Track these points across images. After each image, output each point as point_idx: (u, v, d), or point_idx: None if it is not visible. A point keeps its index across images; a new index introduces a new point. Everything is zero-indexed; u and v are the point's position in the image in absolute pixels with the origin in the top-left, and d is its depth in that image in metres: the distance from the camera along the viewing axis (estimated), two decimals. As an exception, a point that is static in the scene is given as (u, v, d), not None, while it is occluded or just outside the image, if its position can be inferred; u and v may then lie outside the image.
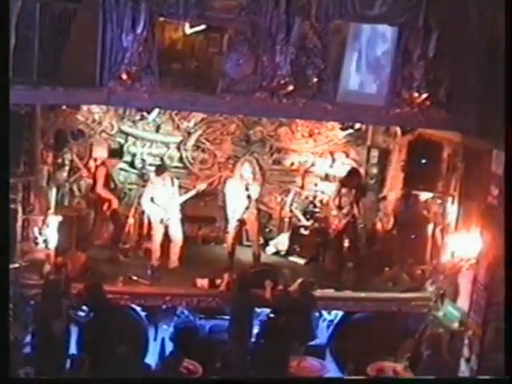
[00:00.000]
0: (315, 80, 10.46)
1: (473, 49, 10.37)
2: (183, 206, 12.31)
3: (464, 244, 10.66)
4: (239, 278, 10.95)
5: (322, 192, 14.01)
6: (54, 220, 11.40)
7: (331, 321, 12.15)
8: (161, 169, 12.21)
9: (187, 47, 12.16)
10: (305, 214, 13.90)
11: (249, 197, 12.18)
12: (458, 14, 10.38)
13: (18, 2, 9.25)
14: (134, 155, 13.40)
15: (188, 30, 11.94)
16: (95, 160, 13.08)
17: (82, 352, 10.39)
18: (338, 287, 11.83)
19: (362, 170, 13.52)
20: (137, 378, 8.85)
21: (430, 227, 11.95)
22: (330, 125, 13.75)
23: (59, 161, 12.80)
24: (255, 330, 10.90)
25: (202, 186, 12.51)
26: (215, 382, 9.69)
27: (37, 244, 11.25)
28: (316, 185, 14.11)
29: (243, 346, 10.58)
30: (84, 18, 9.86)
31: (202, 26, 11.47)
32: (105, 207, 12.43)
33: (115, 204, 12.49)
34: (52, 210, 11.83)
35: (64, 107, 12.28)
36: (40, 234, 11.27)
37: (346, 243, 12.19)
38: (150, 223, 12.40)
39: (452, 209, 11.44)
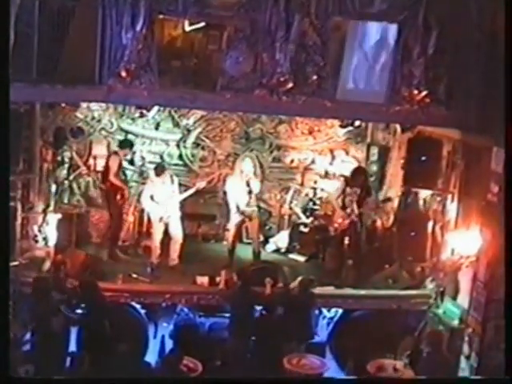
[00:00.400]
0: (315, 77, 10.45)
1: (472, 46, 10.35)
2: (183, 204, 12.32)
3: (464, 241, 10.66)
4: (239, 275, 10.95)
5: (322, 189, 14.01)
6: (53, 218, 11.42)
7: (331, 318, 12.14)
8: (160, 169, 12.18)
9: (186, 45, 12.13)
10: (305, 211, 13.88)
11: (250, 192, 12.18)
12: (458, 12, 10.37)
13: (17, -1, 9.26)
14: (133, 153, 13.37)
15: (187, 28, 11.92)
16: (94, 158, 13.11)
17: (81, 350, 10.39)
18: (338, 285, 11.83)
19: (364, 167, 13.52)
20: (137, 379, 8.85)
21: (430, 225, 11.94)
22: (329, 122, 13.75)
23: (59, 158, 12.79)
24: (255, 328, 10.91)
25: (201, 184, 12.52)
26: (215, 382, 9.68)
27: (36, 242, 11.28)
28: (316, 182, 14.11)
29: (243, 344, 10.57)
30: (83, 15, 9.85)
31: (202, 24, 11.45)
32: (118, 196, 12.40)
33: (127, 194, 12.48)
34: (51, 208, 11.87)
35: (63, 105, 12.27)
36: (39, 231, 11.29)
37: (346, 241, 12.17)
38: (149, 221, 12.41)
39: (452, 206, 11.44)
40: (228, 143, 13.90)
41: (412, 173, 12.04)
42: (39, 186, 11.67)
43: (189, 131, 13.71)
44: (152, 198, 11.97)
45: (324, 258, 13.06)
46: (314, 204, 13.93)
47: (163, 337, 11.49)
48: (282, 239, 13.69)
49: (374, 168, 13.83)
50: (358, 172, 12.62)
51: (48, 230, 11.33)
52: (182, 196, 12.28)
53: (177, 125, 13.67)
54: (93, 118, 13.24)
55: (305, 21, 10.24)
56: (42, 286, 10.07)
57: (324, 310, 12.03)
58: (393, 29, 10.64)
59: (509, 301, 8.62)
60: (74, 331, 10.39)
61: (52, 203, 12.12)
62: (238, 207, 12.24)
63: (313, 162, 14.15)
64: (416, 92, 10.61)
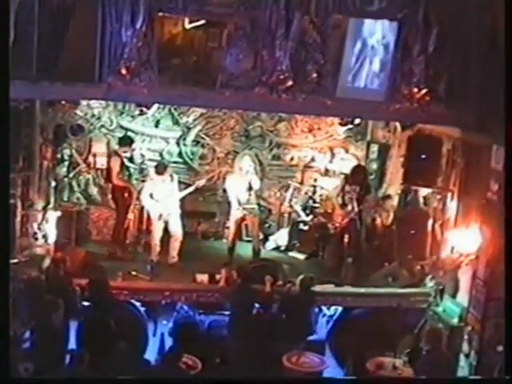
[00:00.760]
0: (315, 75, 10.44)
1: (472, 44, 10.35)
2: (182, 202, 12.33)
3: (463, 239, 10.66)
4: (239, 273, 10.94)
5: (322, 187, 14.02)
6: (53, 215, 11.43)
7: (331, 316, 12.14)
8: (162, 168, 12.15)
9: (186, 42, 12.11)
10: (304, 209, 13.88)
11: (249, 189, 12.18)
12: (458, 9, 10.36)
13: (17, -4, 9.24)
14: (132, 150, 13.35)
15: (187, 25, 11.91)
16: (94, 155, 13.11)
17: (81, 347, 10.38)
18: (338, 282, 11.84)
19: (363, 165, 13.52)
20: (137, 379, 8.86)
21: (430, 223, 11.94)
22: (329, 120, 13.78)
23: (58, 156, 12.81)
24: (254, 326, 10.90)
25: (201, 182, 12.52)
26: (215, 382, 9.69)
27: (36, 239, 11.28)
28: (315, 180, 14.13)
29: (243, 342, 10.57)
30: (83, 12, 9.83)
31: (202, 21, 11.44)
32: (126, 195, 12.38)
33: (133, 191, 12.46)
34: (51, 206, 11.86)
35: (63, 102, 12.30)
36: (39, 229, 11.30)
37: (346, 239, 12.17)
38: (149, 219, 12.40)
39: (452, 204, 11.44)
40: (228, 141, 13.92)
41: (412, 171, 12.02)
42: (39, 184, 11.66)
43: (189, 129, 13.72)
44: (152, 195, 11.97)
45: (324, 256, 13.08)
46: (314, 202, 13.94)
47: (163, 334, 11.48)
48: (281, 237, 13.70)
49: (374, 166, 13.84)
50: (357, 170, 12.65)
51: (48, 227, 11.34)
52: (182, 194, 12.28)
53: (176, 122, 13.68)
54: (93, 116, 13.26)
55: (305, 18, 10.22)
56: (46, 283, 10.06)
57: (324, 308, 12.04)
58: (393, 27, 10.63)
59: (509, 300, 8.61)
60: (73, 328, 10.39)
61: (52, 201, 12.10)
62: (239, 203, 12.23)
63: (312, 159, 14.17)
64: (416, 90, 10.59)
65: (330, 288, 11.68)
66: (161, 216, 11.95)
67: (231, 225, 12.58)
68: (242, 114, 13.65)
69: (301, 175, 14.19)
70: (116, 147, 12.86)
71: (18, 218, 10.95)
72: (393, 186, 13.26)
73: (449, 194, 11.52)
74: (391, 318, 11.31)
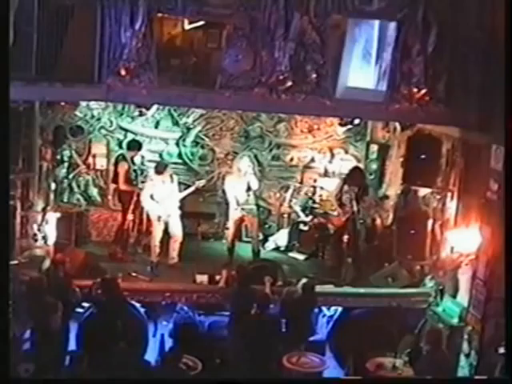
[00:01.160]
0: (314, 75, 10.43)
1: (472, 43, 10.33)
2: (182, 203, 12.32)
3: (463, 239, 10.66)
4: (239, 273, 10.93)
5: (322, 188, 14.03)
6: (52, 216, 11.43)
7: (331, 316, 12.15)
8: (162, 167, 12.15)
9: (186, 43, 12.14)
10: (304, 209, 13.88)
11: (248, 190, 12.18)
12: (457, 9, 10.36)
13: (17, -3, 9.25)
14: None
15: (187, 26, 11.92)
16: (94, 157, 13.12)
17: (81, 348, 10.39)
18: (338, 283, 11.83)
19: (361, 166, 13.51)
20: (137, 380, 8.85)
21: (430, 223, 11.91)
22: (329, 120, 13.78)
23: (58, 157, 12.83)
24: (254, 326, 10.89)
25: (201, 183, 12.52)
26: (215, 382, 9.70)
27: (36, 240, 11.30)
28: (315, 180, 14.13)
29: (242, 343, 10.56)
30: (82, 13, 9.84)
31: (201, 22, 11.45)
32: (134, 198, 12.32)
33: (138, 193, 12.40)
34: (51, 207, 11.86)
35: (63, 103, 12.30)
36: (39, 230, 11.31)
37: (346, 239, 12.17)
38: (149, 219, 12.39)
39: (451, 204, 11.43)
40: (227, 142, 13.93)
41: (411, 171, 12.01)
42: (39, 185, 11.68)
43: (188, 130, 13.73)
44: (152, 196, 11.96)
45: (323, 257, 13.09)
46: (314, 202, 13.94)
47: (163, 335, 11.46)
48: (281, 238, 13.71)
49: (374, 166, 13.84)
50: (355, 171, 12.67)
51: (47, 228, 11.34)
52: (182, 194, 12.28)
53: (176, 123, 13.69)
54: (92, 117, 13.27)
55: (304, 19, 10.22)
56: (46, 285, 10.05)
57: (324, 309, 12.05)
58: (392, 27, 10.64)
59: (509, 299, 8.61)
60: (73, 330, 10.39)
61: (51, 202, 12.12)
62: (237, 203, 12.23)
63: (312, 160, 14.17)
64: (415, 90, 10.58)
65: (329, 288, 11.67)
66: (160, 217, 11.95)
67: (230, 225, 12.58)
68: (241, 114, 13.66)
69: (300, 176, 14.19)
70: (123, 151, 12.86)
71: (18, 220, 10.96)
72: (392, 186, 13.25)
73: (448, 194, 11.51)
74: (391, 319, 11.32)
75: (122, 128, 13.44)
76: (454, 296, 11.10)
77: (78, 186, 13.35)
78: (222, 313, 11.47)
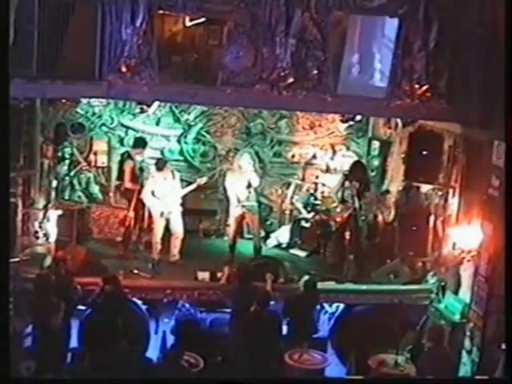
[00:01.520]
0: (315, 72, 10.43)
1: (473, 40, 10.32)
2: (184, 200, 12.29)
3: (465, 236, 10.64)
4: (240, 270, 10.91)
5: (323, 184, 14.00)
6: (54, 214, 11.43)
7: (332, 313, 12.17)
8: (161, 164, 12.13)
9: (187, 40, 12.13)
10: (306, 206, 13.85)
11: (249, 187, 12.17)
12: (459, 5, 10.34)
13: (17, -5, 9.23)
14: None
15: (188, 23, 11.90)
16: (95, 154, 13.11)
17: (82, 346, 10.39)
18: (340, 280, 11.82)
19: (362, 161, 13.51)
20: (137, 380, 8.86)
21: (431, 219, 11.92)
22: (330, 117, 13.76)
23: (59, 154, 12.84)
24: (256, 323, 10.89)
25: (202, 180, 12.49)
26: (215, 382, 9.70)
27: (37, 238, 11.31)
28: (317, 177, 14.09)
29: (244, 340, 10.55)
30: (83, 10, 9.84)
31: (202, 19, 11.44)
32: (135, 195, 12.33)
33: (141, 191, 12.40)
34: (52, 204, 11.86)
35: (64, 101, 12.29)
36: (40, 227, 11.31)
37: (347, 236, 12.15)
38: (150, 216, 12.38)
39: (453, 200, 11.43)
40: (229, 138, 13.91)
41: (413, 167, 12.01)
42: (40, 182, 11.68)
43: (189, 126, 13.71)
44: (153, 193, 11.95)
45: (325, 253, 13.06)
46: (315, 199, 13.91)
47: (164, 332, 11.48)
48: (283, 234, 13.69)
49: (375, 162, 13.82)
50: (356, 166, 12.66)
51: (49, 226, 11.35)
52: (183, 191, 12.25)
53: (177, 120, 13.67)
54: (93, 114, 13.26)
55: (305, 15, 10.22)
56: (47, 282, 10.05)
57: (325, 305, 12.05)
58: (393, 23, 10.62)
59: (510, 296, 8.59)
60: (74, 327, 10.40)
61: (53, 199, 12.12)
62: (238, 200, 12.22)
63: (314, 156, 14.15)
64: (417, 86, 10.58)
65: (331, 285, 11.67)
66: (162, 214, 11.94)
67: (232, 222, 12.57)
68: (242, 111, 13.64)
69: (302, 172, 14.18)
70: (128, 148, 12.85)
71: (19, 217, 10.96)
72: (394, 183, 13.23)
73: (450, 190, 11.51)
74: (393, 315, 11.30)
75: (123, 125, 13.43)
76: (456, 293, 11.09)
77: (80, 184, 13.34)
78: (223, 310, 11.47)
